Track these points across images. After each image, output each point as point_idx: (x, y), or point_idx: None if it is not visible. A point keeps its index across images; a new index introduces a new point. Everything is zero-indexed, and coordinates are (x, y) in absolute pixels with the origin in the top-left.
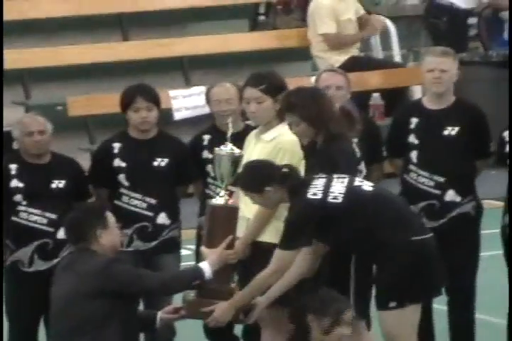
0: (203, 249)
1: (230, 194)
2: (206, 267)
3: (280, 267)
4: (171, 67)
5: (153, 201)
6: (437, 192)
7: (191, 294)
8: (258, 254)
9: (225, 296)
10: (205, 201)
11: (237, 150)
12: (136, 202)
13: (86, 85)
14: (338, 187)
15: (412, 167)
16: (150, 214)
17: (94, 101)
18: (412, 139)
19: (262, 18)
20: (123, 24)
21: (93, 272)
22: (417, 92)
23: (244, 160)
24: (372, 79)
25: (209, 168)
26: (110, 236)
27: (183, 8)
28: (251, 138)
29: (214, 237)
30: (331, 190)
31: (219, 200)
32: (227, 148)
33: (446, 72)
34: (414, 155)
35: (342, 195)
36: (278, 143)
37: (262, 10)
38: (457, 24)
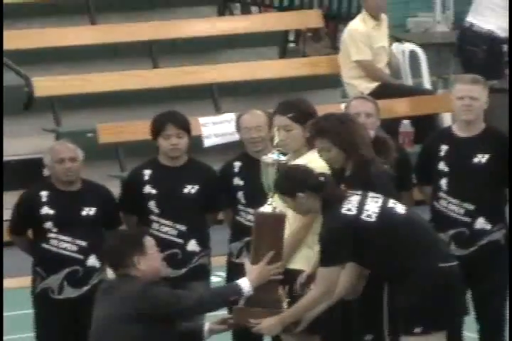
0: (246, 264)
1: None
2: (245, 284)
3: (327, 287)
4: (201, 94)
5: (183, 228)
6: (467, 219)
7: (241, 303)
8: (286, 282)
9: (273, 305)
10: (236, 228)
11: (283, 158)
12: (166, 229)
13: (116, 112)
14: (372, 206)
15: (442, 194)
16: (180, 241)
17: (125, 129)
18: (442, 166)
19: (291, 45)
20: (153, 51)
21: (130, 296)
22: (446, 119)
23: None
24: (402, 106)
25: (240, 194)
26: (149, 261)
27: (213, 36)
28: None
29: (260, 247)
30: (365, 208)
31: (266, 208)
32: (274, 156)
33: (476, 100)
34: (444, 182)
35: (376, 214)
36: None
37: (291, 37)
38: (495, 52)
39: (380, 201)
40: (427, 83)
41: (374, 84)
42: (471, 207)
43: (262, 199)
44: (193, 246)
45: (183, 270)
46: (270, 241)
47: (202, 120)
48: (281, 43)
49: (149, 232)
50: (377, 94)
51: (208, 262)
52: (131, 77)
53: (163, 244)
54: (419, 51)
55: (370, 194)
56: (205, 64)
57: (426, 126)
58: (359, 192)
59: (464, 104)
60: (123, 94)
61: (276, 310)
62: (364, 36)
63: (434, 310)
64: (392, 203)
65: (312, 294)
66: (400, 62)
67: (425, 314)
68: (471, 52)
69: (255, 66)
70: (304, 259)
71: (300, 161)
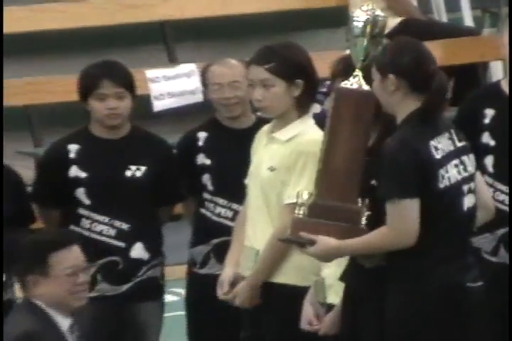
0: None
1: None
2: None
3: (404, 225)
4: (148, 37)
5: (125, 226)
6: None
7: (301, 212)
8: (271, 300)
9: (346, 217)
10: (200, 226)
11: (379, 12)
12: (100, 227)
13: (27, 63)
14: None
15: (487, 178)
16: (121, 244)
17: (40, 86)
18: (487, 139)
19: None
20: None
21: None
22: (495, 71)
23: (253, 166)
24: (434, 52)
25: (206, 178)
26: (50, 286)
27: None
28: (261, 137)
29: (337, 137)
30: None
31: (349, 83)
32: (369, 10)
33: None
34: (489, 161)
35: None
36: (298, 144)
37: None
38: None
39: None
40: (467, 19)
41: (395, 21)
42: None
43: (236, 185)
44: (139, 251)
45: (126, 285)
46: (350, 127)
47: (150, 73)
48: None
49: (74, 239)
50: (398, 35)
51: (160, 274)
52: (49, 14)
53: (97, 248)
54: None
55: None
56: None
57: (467, 80)
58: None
59: None
60: (38, 37)
61: (350, 226)
62: None
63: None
64: None
65: (385, 232)
66: None
67: None
68: None
69: None
70: (292, 270)
71: (287, 132)
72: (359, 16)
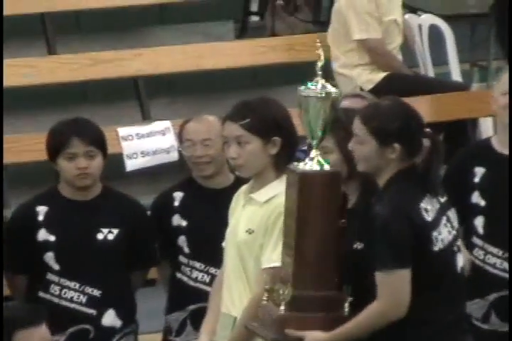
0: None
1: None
2: None
3: (396, 297)
4: (121, 92)
5: (96, 293)
6: None
7: (281, 308)
8: None
9: (333, 307)
10: (176, 291)
11: (331, 88)
12: (71, 294)
13: None
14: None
15: (476, 240)
16: (92, 312)
17: (9, 145)
18: (477, 199)
19: (254, 19)
20: (47, 30)
21: None
22: (485, 128)
23: (230, 228)
24: (421, 109)
25: (181, 240)
26: None
27: (136, 6)
28: (239, 197)
29: (305, 225)
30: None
31: (309, 165)
32: (318, 85)
33: None
34: (479, 222)
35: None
36: (276, 206)
37: (254, 7)
38: None
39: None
40: (455, 73)
41: (379, 76)
42: None
43: (214, 248)
44: (111, 319)
45: None
46: (318, 216)
47: (122, 131)
48: (238, 16)
49: (43, 316)
50: (383, 90)
51: None
52: (19, 69)
53: (67, 316)
54: (444, 26)
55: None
56: (125, 48)
57: (454, 137)
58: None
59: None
60: (6, 93)
61: (334, 315)
62: (371, 4)
63: None
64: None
65: (375, 306)
66: (416, 43)
67: None
68: None
69: (201, 50)
70: None
71: (265, 192)
72: (310, 95)
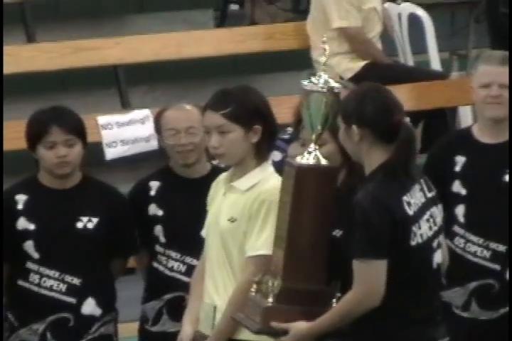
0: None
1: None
2: None
3: (370, 286)
4: (100, 81)
5: (76, 281)
6: (495, 266)
7: (269, 300)
8: None
9: (322, 301)
10: (152, 280)
11: (333, 83)
12: (50, 282)
13: None
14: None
15: (457, 229)
16: (72, 300)
17: None
18: (458, 188)
19: (233, 7)
20: (26, 17)
21: None
22: (464, 116)
23: (211, 217)
24: (400, 96)
25: (158, 230)
26: None
27: None
28: (218, 186)
29: (300, 218)
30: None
31: (306, 158)
32: (321, 80)
33: (508, 89)
34: (460, 211)
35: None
36: (259, 193)
37: None
38: None
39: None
40: (435, 62)
41: (359, 64)
42: (500, 247)
43: (190, 237)
44: (90, 307)
45: None
46: (315, 207)
47: (102, 120)
48: (218, 4)
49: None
50: (363, 79)
51: (113, 331)
52: None
53: (46, 304)
54: (423, 15)
55: None
56: (104, 36)
57: (435, 126)
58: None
59: (491, 94)
60: None
61: (321, 309)
62: None
63: None
64: None
65: (351, 295)
66: (396, 31)
67: None
68: (506, 17)
69: (180, 39)
70: None
71: (247, 180)
72: (313, 89)
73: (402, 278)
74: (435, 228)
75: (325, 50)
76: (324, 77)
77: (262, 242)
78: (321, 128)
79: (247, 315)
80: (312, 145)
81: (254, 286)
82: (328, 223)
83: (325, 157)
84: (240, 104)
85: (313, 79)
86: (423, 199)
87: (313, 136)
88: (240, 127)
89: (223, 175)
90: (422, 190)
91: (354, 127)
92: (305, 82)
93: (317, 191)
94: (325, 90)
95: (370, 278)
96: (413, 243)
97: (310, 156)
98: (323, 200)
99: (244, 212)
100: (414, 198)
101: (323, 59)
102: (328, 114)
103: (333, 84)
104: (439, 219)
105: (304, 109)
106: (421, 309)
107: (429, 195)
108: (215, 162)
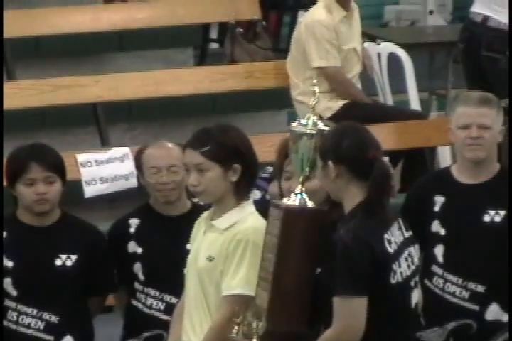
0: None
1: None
2: None
3: (349, 323)
4: (79, 119)
5: (53, 319)
6: (474, 307)
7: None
8: None
9: None
10: (131, 318)
11: (322, 125)
12: (28, 320)
13: None
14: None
15: (436, 269)
16: (49, 338)
17: None
18: (437, 228)
19: (214, 46)
20: (5, 55)
21: None
22: (444, 157)
23: (191, 255)
24: (379, 136)
25: (137, 267)
26: None
27: (95, 32)
28: (200, 224)
29: (286, 260)
30: None
31: (293, 200)
32: (309, 122)
33: (487, 130)
34: (439, 251)
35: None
36: (236, 233)
37: (213, 34)
38: None
39: None
40: (414, 102)
41: (339, 103)
42: (479, 288)
43: (169, 275)
44: None
45: None
46: (302, 249)
47: (81, 157)
48: (198, 43)
49: None
50: (342, 118)
51: None
52: None
53: None
54: (403, 55)
55: None
56: (83, 74)
57: (414, 166)
58: None
59: (470, 135)
60: None
61: None
62: (330, 32)
63: None
64: None
65: (330, 332)
66: (375, 71)
67: None
68: (489, 59)
69: (159, 77)
70: None
71: (226, 220)
72: (302, 132)
73: (381, 316)
74: (413, 267)
75: (315, 92)
76: (313, 118)
77: (237, 282)
78: (309, 171)
79: None
80: (299, 188)
81: (236, 327)
82: (314, 265)
83: (310, 192)
84: (219, 143)
85: (302, 120)
86: (401, 238)
87: (301, 179)
88: (219, 166)
89: (205, 214)
90: (400, 228)
91: (330, 163)
92: (294, 124)
93: (304, 233)
94: (314, 133)
95: (350, 315)
96: (393, 281)
97: (297, 198)
98: (310, 242)
99: (222, 251)
100: (394, 236)
101: (312, 102)
102: (316, 156)
103: (322, 126)
104: (416, 259)
105: (292, 151)
106: None
107: (407, 234)
108: (195, 200)
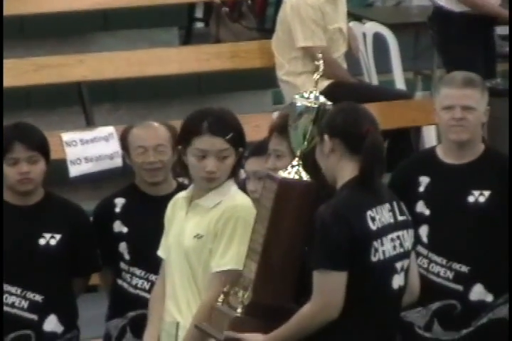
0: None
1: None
2: None
3: (328, 298)
4: (64, 98)
5: (37, 298)
6: (458, 287)
7: (238, 310)
8: None
9: (287, 317)
10: (116, 297)
11: (324, 100)
12: (12, 299)
13: None
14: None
15: (420, 249)
16: (33, 317)
17: None
18: (421, 208)
19: (199, 25)
20: None
21: None
22: (428, 136)
23: (172, 237)
24: None
25: (122, 247)
26: None
27: (80, 11)
28: (177, 206)
29: (277, 232)
30: None
31: (288, 172)
32: (311, 96)
33: (471, 111)
34: (423, 231)
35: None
36: (225, 210)
37: (199, 14)
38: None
39: None
40: (399, 82)
41: (324, 83)
42: (463, 268)
43: (155, 255)
44: (52, 324)
45: None
46: (291, 223)
47: (66, 137)
48: (183, 23)
49: None
50: (327, 98)
51: None
52: None
53: (7, 322)
54: (388, 34)
55: None
56: (67, 54)
57: (398, 146)
58: None
59: (454, 116)
60: None
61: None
62: (316, 12)
63: None
64: None
65: (308, 307)
66: (360, 51)
67: None
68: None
69: (144, 57)
70: None
71: (211, 198)
72: (303, 103)
73: (360, 294)
74: (401, 250)
75: (318, 67)
76: (315, 92)
77: (228, 259)
78: (307, 144)
79: (212, 324)
80: (296, 160)
81: (222, 296)
82: (304, 241)
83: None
84: (237, 129)
85: (304, 94)
86: (391, 220)
87: (299, 152)
88: (236, 151)
89: (181, 195)
90: (392, 211)
91: (326, 137)
92: (297, 97)
93: (297, 206)
94: (316, 106)
95: (327, 290)
96: (374, 259)
97: (292, 170)
98: (301, 215)
99: (210, 229)
100: (380, 215)
101: (315, 76)
102: (315, 130)
103: (323, 100)
104: (407, 244)
105: (291, 124)
106: (378, 331)
107: (400, 218)
108: (180, 179)
